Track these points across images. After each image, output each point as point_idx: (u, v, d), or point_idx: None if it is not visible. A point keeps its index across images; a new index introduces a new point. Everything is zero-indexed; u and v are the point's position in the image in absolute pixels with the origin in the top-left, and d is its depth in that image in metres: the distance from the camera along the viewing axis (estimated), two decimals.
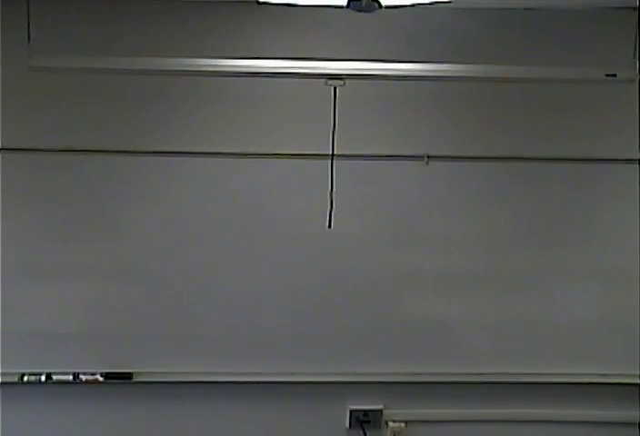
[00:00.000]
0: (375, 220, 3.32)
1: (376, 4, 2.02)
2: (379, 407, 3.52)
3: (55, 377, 3.31)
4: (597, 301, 3.46)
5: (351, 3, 2.03)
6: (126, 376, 3.34)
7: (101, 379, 3.33)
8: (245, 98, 3.16)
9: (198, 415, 3.45)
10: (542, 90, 3.21)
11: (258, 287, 3.32)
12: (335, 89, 2.69)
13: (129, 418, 3.42)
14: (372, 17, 2.20)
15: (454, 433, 3.56)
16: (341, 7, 2.08)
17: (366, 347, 3.40)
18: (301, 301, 3.34)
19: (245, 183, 3.26)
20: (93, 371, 3.32)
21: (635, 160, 3.28)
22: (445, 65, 2.72)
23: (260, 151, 3.20)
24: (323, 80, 2.66)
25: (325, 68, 2.66)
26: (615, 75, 2.72)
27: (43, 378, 3.30)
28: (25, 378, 3.30)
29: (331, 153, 2.92)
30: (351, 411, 3.52)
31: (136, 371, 3.35)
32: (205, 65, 2.68)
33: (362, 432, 3.52)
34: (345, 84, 2.65)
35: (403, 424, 3.53)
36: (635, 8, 2.81)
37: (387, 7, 2.07)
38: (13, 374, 3.28)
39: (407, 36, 3.14)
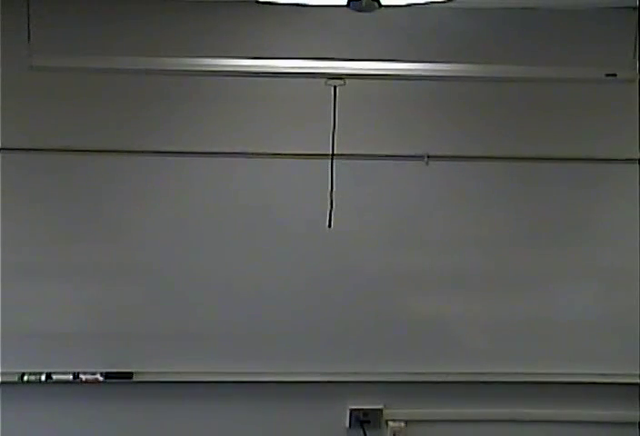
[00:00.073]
0: (375, 220, 3.32)
1: (376, 4, 2.02)
2: (379, 407, 3.52)
3: (54, 377, 3.31)
4: (597, 301, 3.46)
5: (351, 3, 2.03)
6: (126, 376, 3.34)
7: (101, 379, 3.33)
8: (245, 98, 3.16)
9: (198, 415, 3.45)
10: (542, 90, 3.21)
11: (258, 287, 3.32)
12: (335, 89, 2.69)
13: (129, 418, 3.42)
14: (372, 17, 2.20)
15: (454, 433, 3.56)
16: (341, 7, 2.08)
17: (366, 347, 3.40)
18: (301, 301, 3.35)
19: (245, 183, 3.26)
20: (93, 370, 3.32)
21: (635, 160, 3.28)
22: (444, 65, 2.72)
23: (260, 151, 3.20)
24: (323, 80, 2.65)
25: (325, 68, 2.65)
26: (615, 75, 2.71)
27: (43, 378, 3.30)
28: (25, 378, 3.30)
29: (331, 153, 2.92)
30: (351, 411, 3.52)
31: (136, 370, 3.35)
32: (205, 65, 2.68)
33: (362, 432, 3.52)
34: (345, 83, 2.65)
35: (403, 424, 3.53)
36: (635, 8, 2.81)
37: (387, 7, 2.07)
38: (13, 374, 3.28)
39: (407, 36, 3.14)
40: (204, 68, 2.68)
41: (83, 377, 3.32)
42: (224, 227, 3.27)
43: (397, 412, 3.53)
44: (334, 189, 2.91)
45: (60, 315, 3.28)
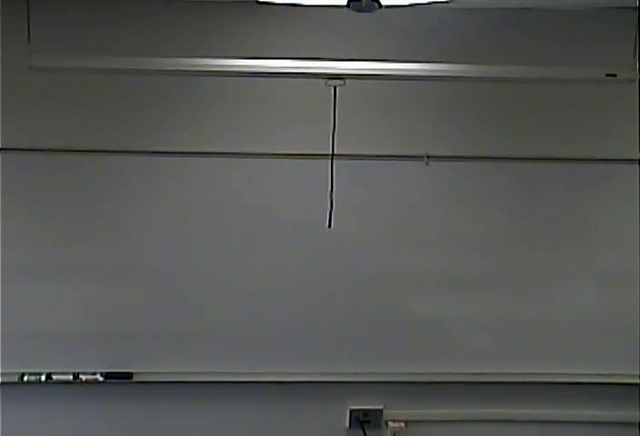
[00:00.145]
0: (375, 220, 3.32)
1: (376, 4, 2.02)
2: (379, 407, 3.52)
3: (55, 377, 3.31)
4: (597, 301, 3.46)
5: (351, 3, 2.03)
6: (126, 376, 3.34)
7: (101, 379, 3.33)
8: (245, 98, 3.16)
9: (198, 415, 3.45)
10: (542, 90, 3.21)
11: (258, 287, 3.32)
12: (335, 89, 2.69)
13: (129, 418, 3.42)
14: (372, 17, 2.20)
15: (454, 433, 3.56)
16: (341, 7, 2.08)
17: (366, 347, 3.40)
18: (301, 301, 3.35)
19: (245, 183, 3.26)
20: (93, 370, 3.32)
21: (635, 160, 3.28)
22: (444, 65, 2.72)
23: (260, 151, 3.20)
24: (323, 80, 2.66)
25: (325, 68, 2.66)
26: (615, 75, 2.71)
27: (43, 378, 3.30)
28: (25, 378, 3.30)
29: (331, 153, 2.92)
30: (351, 411, 3.52)
31: (136, 371, 3.35)
32: (205, 65, 2.68)
33: (362, 432, 3.52)
34: (344, 83, 2.65)
35: (403, 424, 3.53)
36: (635, 8, 2.80)
37: (387, 7, 2.07)
38: (13, 374, 3.28)
39: (407, 36, 3.14)
40: (204, 68, 2.68)
41: (83, 377, 3.32)
42: (223, 227, 3.27)
43: (397, 413, 3.53)
44: (334, 189, 2.92)
45: (60, 315, 3.28)
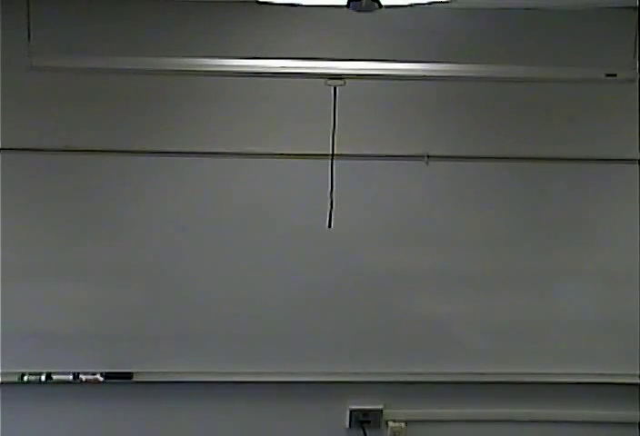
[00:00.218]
0: (376, 220, 3.32)
1: (376, 4, 2.02)
2: (379, 407, 3.52)
3: (55, 377, 3.31)
4: (597, 301, 3.46)
5: (351, 3, 2.03)
6: (126, 376, 3.34)
7: (101, 379, 3.33)
8: (245, 98, 3.16)
9: (198, 415, 3.45)
10: (542, 90, 3.20)
11: (258, 287, 3.32)
12: (335, 89, 2.69)
13: (129, 418, 3.42)
14: (372, 17, 2.20)
15: (454, 433, 3.56)
16: (341, 7, 2.08)
17: (366, 347, 3.40)
18: (301, 301, 3.35)
19: (245, 183, 3.26)
20: (93, 370, 3.32)
21: (635, 160, 3.28)
22: (444, 65, 2.72)
23: (260, 151, 3.20)
24: (323, 80, 2.66)
25: (325, 68, 2.66)
26: (615, 75, 2.72)
27: (43, 378, 3.30)
28: (25, 378, 3.30)
29: (331, 152, 2.92)
30: (351, 411, 3.52)
31: (136, 371, 3.35)
32: (205, 65, 2.68)
33: (362, 432, 3.52)
34: (345, 84, 2.65)
35: (403, 424, 3.53)
36: (635, 8, 2.81)
37: (387, 7, 2.07)
38: (13, 374, 3.28)
39: (407, 36, 3.14)
40: (204, 68, 2.69)
41: (83, 377, 3.32)
42: (224, 227, 3.27)
43: (397, 412, 3.53)
44: (334, 189, 2.92)
45: (60, 315, 3.28)
